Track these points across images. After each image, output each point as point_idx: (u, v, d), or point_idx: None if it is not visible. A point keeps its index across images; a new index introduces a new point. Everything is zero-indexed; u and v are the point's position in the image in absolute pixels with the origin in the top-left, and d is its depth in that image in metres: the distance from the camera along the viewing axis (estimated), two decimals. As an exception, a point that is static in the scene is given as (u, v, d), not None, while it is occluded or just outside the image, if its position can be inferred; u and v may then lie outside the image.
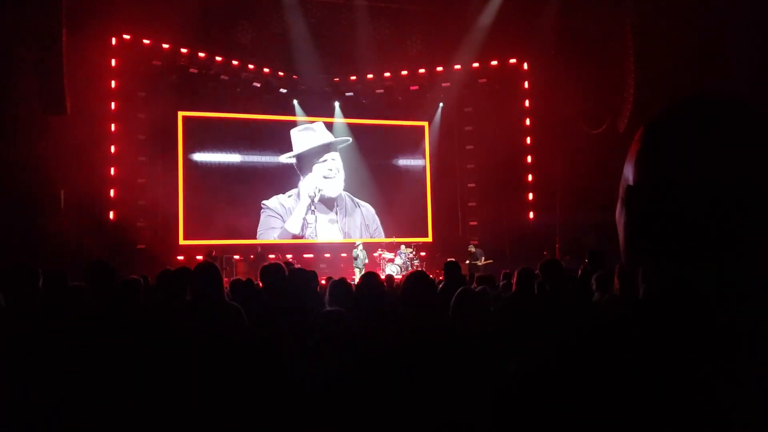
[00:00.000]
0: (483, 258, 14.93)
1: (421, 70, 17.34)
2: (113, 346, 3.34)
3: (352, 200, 17.87)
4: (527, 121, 16.85)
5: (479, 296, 4.05)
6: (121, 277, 4.58)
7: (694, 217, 0.65)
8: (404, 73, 17.35)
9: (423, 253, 17.00)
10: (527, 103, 16.89)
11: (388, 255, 16.04)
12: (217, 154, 16.44)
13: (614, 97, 14.21)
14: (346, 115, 17.78)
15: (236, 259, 15.31)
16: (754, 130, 0.65)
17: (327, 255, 17.06)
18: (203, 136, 16.35)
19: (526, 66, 16.96)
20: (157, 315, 3.52)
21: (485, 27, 15.59)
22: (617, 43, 14.05)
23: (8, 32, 11.55)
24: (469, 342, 3.16)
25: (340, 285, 4.23)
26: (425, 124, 18.58)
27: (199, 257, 14.42)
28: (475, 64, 16.95)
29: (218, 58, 15.83)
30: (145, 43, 14.89)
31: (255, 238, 16.56)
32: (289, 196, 17.17)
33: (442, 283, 5.89)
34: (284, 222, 16.91)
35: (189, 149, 16.24)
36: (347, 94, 17.73)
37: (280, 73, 16.73)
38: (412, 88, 17.81)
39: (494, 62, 17.00)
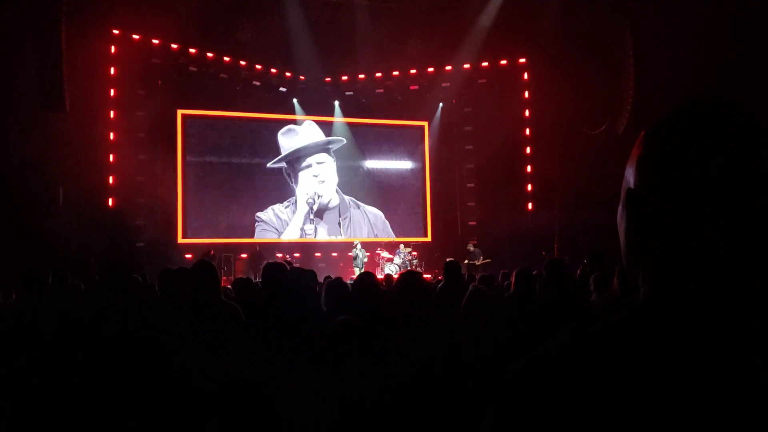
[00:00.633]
0: (481, 258, 14.94)
1: (421, 70, 17.33)
2: (113, 343, 3.35)
3: (357, 205, 17.79)
4: (526, 122, 16.84)
5: (491, 297, 4.06)
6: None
7: (694, 220, 0.66)
8: (404, 72, 17.34)
9: (415, 252, 16.99)
10: (527, 103, 16.88)
11: (387, 254, 16.03)
12: (216, 152, 16.41)
13: (613, 98, 14.22)
14: (345, 115, 17.76)
15: (243, 257, 15.31)
16: (753, 132, 0.66)
17: (321, 254, 17.05)
18: (202, 134, 16.33)
19: (525, 66, 16.96)
20: (156, 313, 3.52)
21: (485, 27, 15.59)
22: (617, 44, 14.06)
23: (7, 30, 11.53)
24: (463, 340, 3.17)
25: (337, 285, 4.23)
26: (425, 123, 18.57)
27: (188, 256, 14.41)
28: (475, 65, 16.94)
29: (218, 57, 15.81)
30: (144, 41, 14.86)
31: (254, 236, 16.54)
32: (285, 207, 17.07)
33: (442, 283, 5.90)
34: (280, 234, 16.80)
35: (188, 147, 16.22)
36: (347, 93, 17.71)
37: (280, 72, 16.72)
38: (412, 87, 17.80)
39: (494, 62, 16.99)
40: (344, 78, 17.30)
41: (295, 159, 17.21)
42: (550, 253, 14.35)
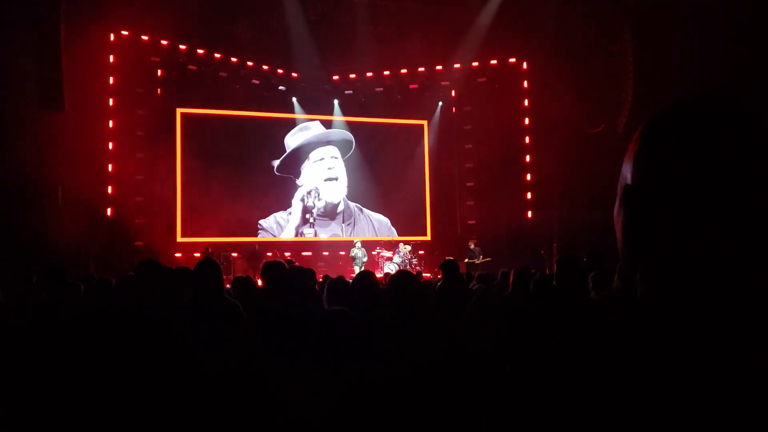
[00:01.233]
0: (481, 256, 14.94)
1: (421, 69, 17.33)
2: (111, 343, 3.34)
3: (360, 211, 17.77)
4: (526, 121, 16.84)
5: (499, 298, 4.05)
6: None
7: (692, 217, 0.66)
8: (404, 71, 17.35)
9: (421, 252, 17.00)
10: (526, 102, 16.88)
11: (387, 253, 16.03)
12: (215, 151, 16.39)
13: (613, 96, 14.21)
14: (345, 114, 17.75)
15: (234, 257, 15.30)
16: (753, 130, 0.66)
17: (326, 253, 17.06)
18: (201, 133, 16.31)
19: (525, 65, 16.95)
20: (155, 312, 3.52)
21: (485, 26, 15.58)
22: (616, 43, 14.04)
23: (6, 30, 11.52)
24: (459, 338, 3.17)
25: (339, 283, 4.24)
26: (424, 122, 18.57)
27: (197, 254, 14.42)
28: (475, 63, 16.94)
29: (217, 55, 15.81)
30: (143, 40, 14.85)
31: (254, 235, 16.55)
32: (289, 213, 17.07)
33: (441, 281, 5.90)
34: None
35: (187, 146, 16.20)
36: (346, 92, 17.71)
37: (279, 71, 16.72)
38: (412, 86, 17.80)
39: (494, 61, 16.99)
40: (343, 77, 17.29)
41: (303, 154, 17.16)
42: (549, 252, 14.35)
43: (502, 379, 0.72)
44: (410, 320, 3.08)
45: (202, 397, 2.96)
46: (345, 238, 17.16)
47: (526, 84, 16.94)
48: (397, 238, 16.92)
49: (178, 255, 14.79)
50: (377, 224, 17.82)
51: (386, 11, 15.99)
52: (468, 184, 17.91)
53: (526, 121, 16.82)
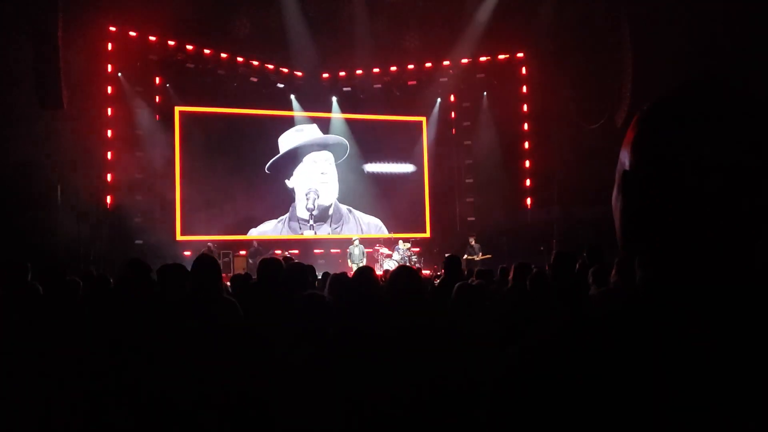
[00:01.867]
0: (480, 253, 14.94)
1: (419, 66, 17.31)
2: (110, 338, 3.34)
3: (350, 212, 17.75)
4: (525, 116, 16.83)
5: (478, 290, 4.06)
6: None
7: (691, 203, 0.65)
8: (402, 68, 17.32)
9: (416, 249, 17.00)
10: (525, 97, 16.88)
11: (386, 251, 16.03)
12: (214, 149, 16.36)
13: (612, 91, 14.21)
14: (343, 111, 17.73)
15: (234, 255, 15.31)
16: (752, 114, 0.65)
17: (319, 251, 17.06)
18: (200, 131, 16.28)
19: (523, 61, 16.94)
20: (154, 308, 3.51)
21: (483, 22, 15.57)
22: (615, 38, 14.03)
23: (4, 28, 11.51)
24: (457, 333, 3.17)
25: (341, 278, 4.25)
26: (423, 119, 18.54)
27: (187, 253, 14.41)
28: (473, 59, 16.93)
29: (215, 53, 15.78)
30: (141, 38, 14.84)
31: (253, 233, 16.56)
32: (279, 221, 17.02)
33: (442, 277, 5.91)
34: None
35: (186, 144, 16.18)
36: (345, 89, 17.69)
37: (278, 68, 16.70)
38: (410, 83, 17.78)
39: (492, 57, 16.98)
40: (342, 74, 17.28)
41: (297, 156, 17.16)
42: (548, 248, 14.36)
43: (500, 365, 0.72)
44: (409, 313, 3.08)
45: (201, 395, 2.96)
46: (346, 235, 17.13)
47: (524, 79, 16.92)
48: (396, 235, 16.91)
49: (187, 253, 14.77)
50: (366, 226, 17.76)
51: (384, 7, 15.97)
52: (467, 180, 17.91)
53: (525, 116, 16.82)
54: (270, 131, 17.08)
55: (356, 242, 15.58)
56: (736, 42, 10.25)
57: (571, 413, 0.63)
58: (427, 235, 18.23)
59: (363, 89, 17.69)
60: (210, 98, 16.23)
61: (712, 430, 0.59)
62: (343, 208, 17.67)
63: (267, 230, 16.81)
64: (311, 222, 17.00)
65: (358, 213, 17.78)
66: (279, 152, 17.06)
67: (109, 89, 14.47)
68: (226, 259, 15.05)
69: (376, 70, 17.26)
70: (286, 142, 17.16)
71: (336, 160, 17.57)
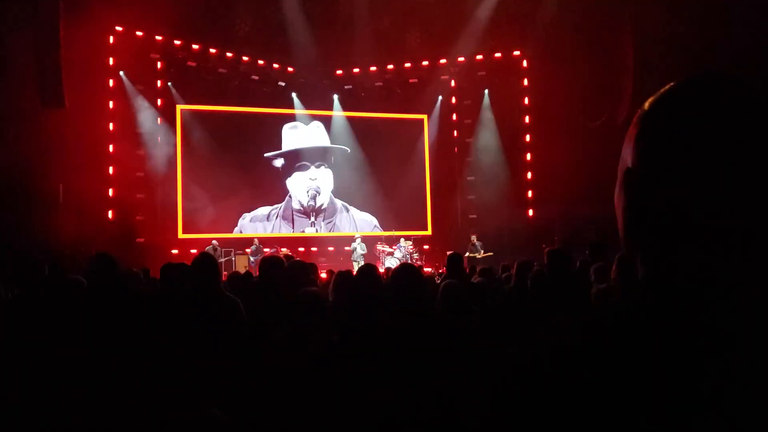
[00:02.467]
0: (482, 251, 14.94)
1: (420, 63, 17.30)
2: (110, 336, 3.34)
3: (346, 209, 17.75)
4: (526, 114, 16.81)
5: (468, 289, 4.06)
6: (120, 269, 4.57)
7: (694, 199, 0.65)
8: (403, 65, 17.30)
9: (426, 246, 17.01)
10: (526, 95, 16.85)
11: (388, 248, 16.03)
12: (215, 147, 16.37)
13: (613, 89, 14.18)
14: (344, 108, 17.72)
15: (235, 253, 15.32)
16: (755, 110, 0.64)
17: (330, 249, 17.07)
18: (201, 129, 16.29)
19: (525, 59, 16.91)
20: (154, 305, 3.52)
21: (484, 19, 15.54)
22: (616, 35, 14.00)
23: (6, 27, 11.50)
24: (458, 332, 3.17)
25: (346, 276, 4.26)
26: (424, 117, 18.52)
27: (193, 251, 14.41)
28: (475, 57, 16.91)
29: (216, 51, 15.77)
30: (142, 36, 14.84)
31: (253, 231, 16.55)
32: (273, 208, 17.06)
33: (444, 275, 5.92)
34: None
35: (187, 142, 16.19)
36: (346, 86, 17.67)
37: (279, 66, 16.69)
38: (411, 81, 17.76)
39: (493, 55, 16.95)
40: (343, 72, 17.26)
41: (294, 157, 17.17)
42: (550, 246, 14.33)
43: (502, 364, 0.72)
44: (412, 311, 3.08)
45: (200, 392, 2.96)
46: (347, 233, 17.12)
47: (525, 77, 16.90)
48: (397, 232, 16.91)
49: (188, 251, 14.77)
50: (360, 223, 17.76)
51: (385, 5, 15.94)
52: (469, 178, 17.89)
53: (526, 114, 16.80)
54: (271, 129, 17.09)
55: (358, 239, 15.59)
56: (737, 39, 10.22)
57: (575, 413, 0.62)
58: (429, 232, 18.22)
59: (364, 87, 17.68)
60: (211, 96, 16.23)
61: (717, 429, 0.58)
62: (338, 203, 17.68)
63: (259, 215, 16.84)
64: (312, 219, 17.01)
65: (353, 210, 17.79)
66: (281, 145, 17.12)
67: (111, 88, 14.47)
68: (228, 257, 15.05)
69: (377, 68, 17.24)
70: (288, 140, 17.16)
71: (333, 164, 17.60)
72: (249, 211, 16.71)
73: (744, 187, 0.63)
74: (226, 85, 16.30)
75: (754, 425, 0.58)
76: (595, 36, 14.06)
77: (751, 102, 0.65)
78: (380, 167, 17.81)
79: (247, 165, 16.63)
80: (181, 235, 15.74)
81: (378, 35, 16.24)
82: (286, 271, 3.98)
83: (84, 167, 13.06)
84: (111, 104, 14.44)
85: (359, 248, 15.34)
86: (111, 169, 14.26)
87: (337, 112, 17.72)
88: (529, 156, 16.69)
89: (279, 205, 17.14)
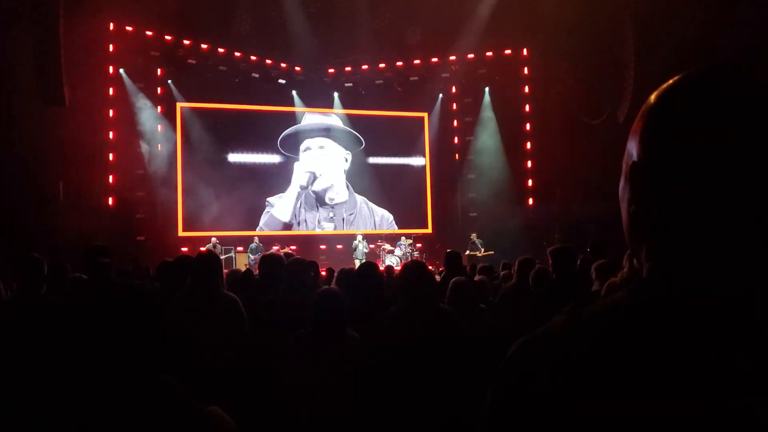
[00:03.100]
0: (483, 249, 14.94)
1: (421, 61, 17.30)
2: (111, 334, 3.33)
3: (367, 205, 17.80)
4: (527, 112, 16.80)
5: (474, 287, 4.07)
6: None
7: (702, 194, 0.64)
8: (404, 63, 17.30)
9: (420, 245, 16.99)
10: (527, 93, 16.85)
11: (388, 246, 16.04)
12: (215, 144, 16.38)
13: (614, 87, 14.17)
14: (345, 106, 17.73)
15: (236, 251, 15.33)
16: (764, 102, 0.63)
17: (323, 246, 17.07)
18: (202, 126, 16.30)
19: (526, 56, 16.91)
20: (155, 303, 3.51)
21: (485, 17, 15.52)
22: (617, 33, 13.98)
23: (6, 25, 11.49)
24: (466, 332, 3.17)
25: (348, 273, 4.28)
26: (425, 115, 18.53)
27: (184, 249, 14.43)
28: (475, 55, 16.91)
29: (216, 49, 15.77)
30: (143, 34, 14.83)
31: (254, 229, 16.56)
32: (298, 197, 17.30)
33: (443, 273, 5.91)
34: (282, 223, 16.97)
35: (187, 140, 16.19)
36: (346, 84, 17.67)
37: (280, 64, 16.69)
38: (412, 78, 17.75)
39: (494, 53, 16.95)
40: (343, 69, 17.26)
41: (295, 143, 17.22)
42: (550, 244, 14.33)
43: (504, 360, 0.71)
44: (422, 308, 3.08)
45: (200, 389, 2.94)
46: (343, 231, 17.14)
47: (526, 75, 16.89)
48: (398, 231, 16.91)
49: (186, 249, 14.78)
50: (379, 219, 17.84)
51: (386, 2, 15.93)
52: (469, 176, 17.89)
53: (527, 112, 16.79)
54: (272, 127, 17.09)
55: (360, 238, 15.60)
56: (738, 34, 10.20)
57: (580, 413, 0.61)
58: (429, 230, 18.23)
59: (364, 85, 17.68)
60: (212, 94, 16.23)
61: (726, 426, 0.57)
62: (359, 198, 17.71)
63: (285, 201, 16.99)
64: (332, 213, 17.13)
65: (372, 205, 17.84)
66: (289, 138, 17.31)
67: (111, 86, 14.47)
68: (229, 255, 15.06)
69: (377, 65, 17.24)
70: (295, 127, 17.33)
71: (347, 149, 17.62)
72: (251, 208, 16.78)
73: (752, 181, 0.62)
74: (226, 82, 16.29)
75: (764, 422, 0.57)
76: (596, 33, 14.03)
77: (759, 94, 0.64)
78: (380, 165, 17.82)
79: (247, 163, 16.63)
80: (181, 233, 15.75)
81: (378, 33, 16.23)
82: (286, 268, 3.97)
83: (84, 165, 13.07)
84: (111, 102, 14.44)
85: (361, 246, 15.35)
86: (111, 167, 14.26)
87: (338, 110, 17.72)
88: (529, 154, 16.69)
89: (302, 192, 17.31)
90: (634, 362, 0.61)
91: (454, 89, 18.17)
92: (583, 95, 14.54)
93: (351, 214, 17.57)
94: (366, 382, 2.87)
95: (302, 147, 17.36)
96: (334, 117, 17.73)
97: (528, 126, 16.75)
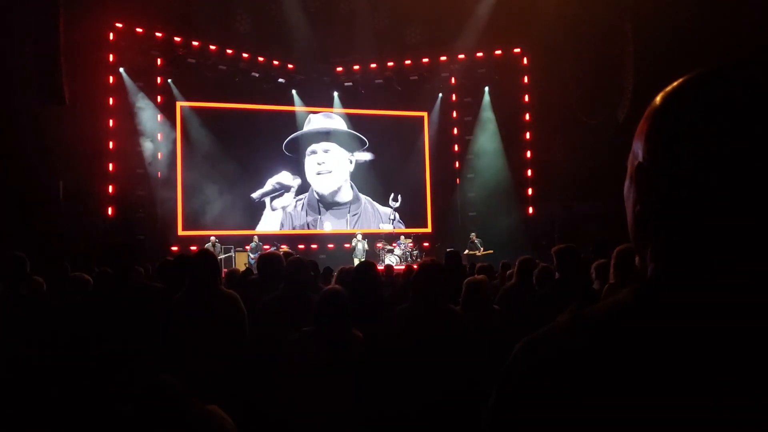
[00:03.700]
0: (482, 248, 14.94)
1: (421, 60, 17.28)
2: (111, 333, 3.34)
3: (371, 204, 17.81)
4: (526, 111, 16.80)
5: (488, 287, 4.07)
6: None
7: (708, 195, 0.64)
8: (404, 63, 17.29)
9: (426, 244, 17.01)
10: (526, 93, 16.84)
11: (388, 246, 16.05)
12: (215, 144, 16.37)
13: (613, 87, 14.17)
14: (345, 106, 17.72)
15: (235, 250, 15.33)
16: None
17: (329, 246, 17.08)
18: (202, 126, 16.29)
19: (525, 56, 16.90)
20: (156, 301, 3.52)
21: (484, 16, 15.52)
22: (617, 33, 13.99)
23: (6, 24, 11.48)
24: (472, 332, 3.17)
25: (348, 272, 4.28)
26: (424, 114, 18.52)
27: (192, 248, 14.43)
28: (475, 55, 16.90)
29: (216, 48, 15.76)
30: (142, 33, 14.82)
31: (254, 228, 16.56)
32: (299, 198, 17.33)
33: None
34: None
35: (187, 139, 16.19)
36: (346, 84, 17.66)
37: (279, 63, 16.68)
38: (412, 78, 17.74)
39: (494, 52, 16.94)
40: (343, 69, 17.25)
41: (298, 146, 17.27)
42: (550, 243, 14.34)
43: (508, 360, 0.71)
44: (429, 308, 3.08)
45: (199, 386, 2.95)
46: (347, 230, 17.13)
47: (526, 74, 16.89)
48: (397, 230, 16.92)
49: (188, 248, 14.79)
50: (384, 218, 17.87)
51: (385, 2, 15.92)
52: (469, 175, 17.88)
53: (527, 111, 16.79)
54: (271, 126, 17.07)
55: (359, 236, 15.60)
56: (738, 33, 10.20)
57: (584, 413, 0.61)
58: (429, 230, 18.23)
59: (364, 84, 17.67)
60: (211, 93, 16.23)
61: (733, 426, 0.57)
62: (364, 198, 17.71)
63: (286, 203, 17.02)
64: (336, 215, 17.21)
65: (377, 205, 17.85)
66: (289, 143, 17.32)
67: (111, 85, 14.46)
68: (229, 254, 15.06)
69: (377, 65, 17.23)
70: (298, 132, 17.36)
71: (349, 150, 17.66)
72: (252, 208, 16.77)
73: (757, 182, 0.62)
74: (226, 82, 16.28)
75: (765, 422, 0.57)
76: (595, 32, 14.04)
77: (765, 96, 0.64)
78: (380, 164, 17.82)
79: (247, 162, 16.63)
80: (181, 232, 15.74)
81: (378, 32, 16.23)
82: (285, 268, 3.97)
83: (84, 164, 13.07)
84: (111, 101, 14.43)
85: (360, 246, 15.35)
86: (111, 166, 14.25)
87: (338, 110, 17.71)
88: (529, 153, 16.69)
89: (302, 196, 17.30)
90: (638, 362, 0.61)
91: (453, 89, 18.15)
92: (582, 95, 14.54)
93: (355, 215, 17.59)
94: (370, 381, 2.87)
95: (308, 151, 17.37)
96: (337, 118, 17.69)
97: (527, 125, 16.75)
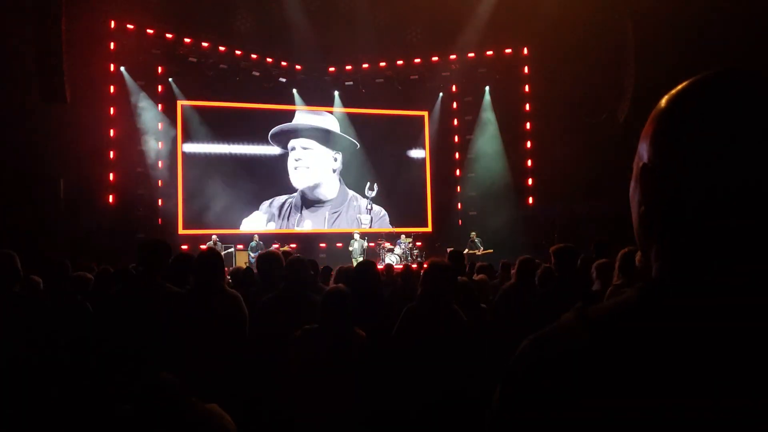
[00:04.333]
0: (482, 248, 14.94)
1: (421, 60, 17.28)
2: (112, 332, 3.34)
3: (355, 199, 17.75)
4: (527, 111, 16.79)
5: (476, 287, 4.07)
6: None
7: (713, 196, 0.64)
8: (404, 62, 17.28)
9: (419, 243, 16.99)
10: (527, 92, 16.83)
11: (388, 245, 16.04)
12: (216, 143, 16.37)
13: (614, 86, 14.16)
14: (345, 105, 17.72)
15: (236, 249, 15.32)
16: None
17: (323, 245, 17.07)
18: (202, 125, 16.29)
19: (526, 55, 16.89)
20: (159, 300, 3.52)
21: (485, 16, 15.51)
22: (617, 33, 13.98)
23: (8, 23, 11.48)
24: (475, 332, 3.18)
25: (347, 272, 4.28)
26: (425, 113, 18.52)
27: (184, 247, 14.43)
28: (476, 54, 16.90)
29: (217, 47, 15.76)
30: (144, 32, 14.82)
31: (239, 227, 16.57)
32: (289, 197, 17.24)
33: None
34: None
35: (188, 138, 16.19)
36: (347, 83, 17.66)
37: (280, 63, 16.68)
38: (412, 77, 17.73)
39: (495, 51, 16.94)
40: (344, 68, 17.25)
41: (284, 141, 17.21)
42: (550, 243, 14.32)
43: (511, 360, 0.71)
44: (435, 308, 3.09)
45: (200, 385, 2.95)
46: (347, 229, 17.10)
47: (527, 74, 16.88)
48: (398, 229, 16.92)
49: (186, 247, 14.77)
50: (361, 209, 17.77)
51: (386, 1, 15.91)
52: (469, 175, 17.88)
53: (527, 111, 16.78)
54: (272, 125, 17.07)
55: (356, 236, 15.59)
56: (739, 38, 10.20)
57: (589, 412, 0.61)
58: (429, 229, 18.23)
59: (365, 83, 17.66)
60: (212, 92, 16.22)
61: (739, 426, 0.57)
62: (350, 193, 17.67)
63: (275, 205, 16.94)
64: (315, 213, 17.09)
65: (359, 197, 17.79)
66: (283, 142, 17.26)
67: (112, 84, 14.46)
68: (229, 251, 15.06)
69: (377, 64, 17.23)
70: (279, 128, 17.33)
71: (336, 150, 17.56)
72: (250, 207, 16.74)
73: (762, 184, 0.62)
74: (227, 81, 16.27)
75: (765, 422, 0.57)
76: (596, 32, 14.03)
77: None
78: (381, 164, 17.81)
79: (247, 161, 16.63)
80: (181, 231, 15.75)
81: (379, 31, 16.21)
82: (286, 267, 3.97)
83: (85, 163, 13.07)
84: (112, 99, 14.43)
85: (357, 246, 15.35)
86: (111, 165, 14.25)
87: (338, 108, 17.70)
88: (529, 153, 16.68)
89: (294, 195, 17.26)
90: (642, 362, 0.61)
91: (454, 88, 18.15)
92: (583, 94, 14.53)
93: (335, 212, 17.52)
94: (372, 379, 2.87)
95: (289, 146, 17.32)
96: (329, 118, 17.61)
97: (528, 125, 16.74)
